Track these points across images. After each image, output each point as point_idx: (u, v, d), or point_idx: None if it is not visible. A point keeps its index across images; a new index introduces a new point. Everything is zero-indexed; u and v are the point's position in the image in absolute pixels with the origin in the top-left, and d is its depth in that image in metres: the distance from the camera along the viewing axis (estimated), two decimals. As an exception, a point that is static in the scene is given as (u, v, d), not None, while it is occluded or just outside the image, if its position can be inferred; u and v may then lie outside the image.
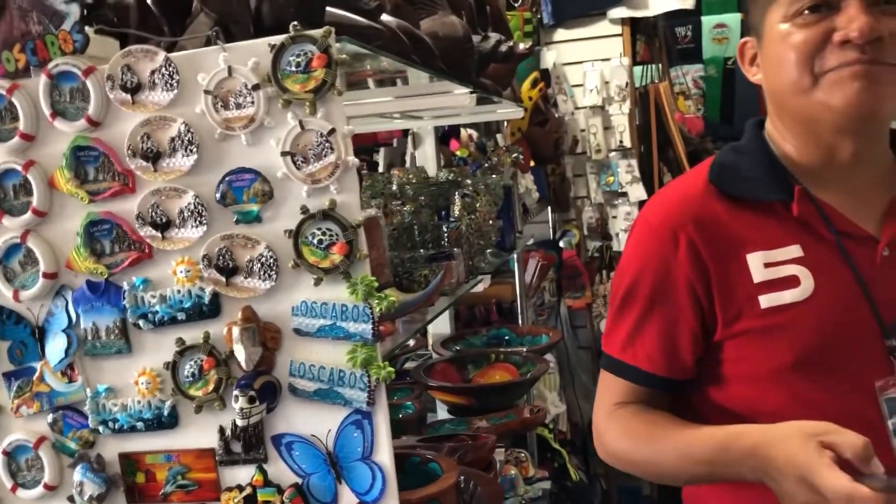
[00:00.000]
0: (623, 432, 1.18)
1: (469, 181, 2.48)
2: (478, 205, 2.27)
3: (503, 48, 2.51)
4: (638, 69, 4.23)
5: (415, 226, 2.20)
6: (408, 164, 3.20)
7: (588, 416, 3.80)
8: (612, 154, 3.96)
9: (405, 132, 3.37)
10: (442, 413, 2.79)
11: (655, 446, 1.12)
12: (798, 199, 1.12)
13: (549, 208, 3.98)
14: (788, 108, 1.13)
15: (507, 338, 3.06)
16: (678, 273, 1.15)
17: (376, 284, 1.22)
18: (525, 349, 2.83)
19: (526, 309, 3.35)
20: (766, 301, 1.11)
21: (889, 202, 1.13)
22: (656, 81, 4.15)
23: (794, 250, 1.12)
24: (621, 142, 3.91)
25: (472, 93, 2.24)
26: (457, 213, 2.24)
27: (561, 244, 3.97)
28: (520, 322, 3.31)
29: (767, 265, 1.12)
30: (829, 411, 1.02)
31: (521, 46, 2.63)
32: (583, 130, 3.97)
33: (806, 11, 1.04)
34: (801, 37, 1.05)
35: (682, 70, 4.91)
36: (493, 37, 2.52)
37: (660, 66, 4.35)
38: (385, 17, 1.72)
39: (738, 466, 1.00)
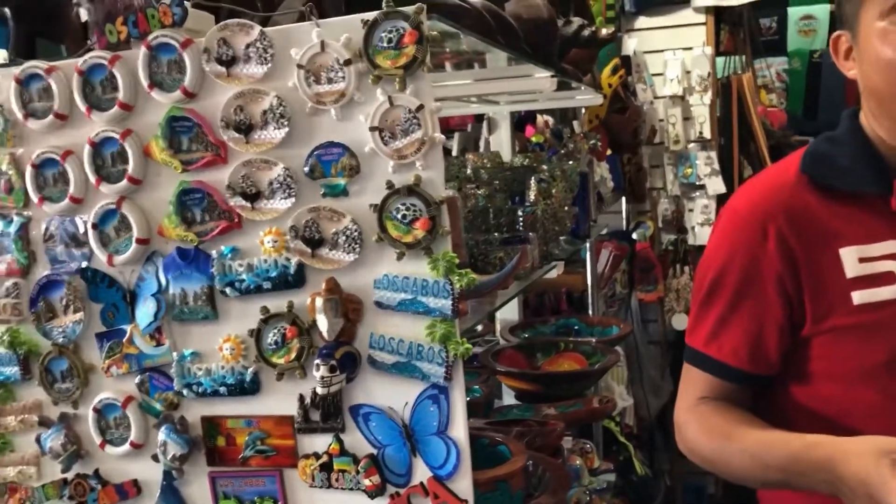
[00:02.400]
0: (701, 428, 1.16)
1: (545, 167, 2.47)
2: (553, 190, 2.25)
3: (585, 33, 2.48)
4: (720, 60, 4.12)
5: (490, 209, 2.20)
6: (482, 149, 3.20)
7: (655, 412, 3.75)
8: (691, 145, 3.88)
9: (479, 117, 3.37)
10: (508, 399, 2.79)
11: (731, 446, 1.10)
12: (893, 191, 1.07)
13: (624, 198, 3.92)
14: (886, 107, 1.08)
15: (576, 327, 3.03)
16: (767, 266, 1.12)
17: (457, 261, 1.22)
18: (594, 339, 2.80)
19: (597, 299, 3.32)
20: (859, 297, 1.07)
21: None
22: (739, 73, 4.04)
23: (892, 246, 1.08)
24: (701, 133, 3.82)
25: (553, 77, 2.22)
26: (532, 197, 2.23)
27: (634, 236, 3.91)
28: (590, 312, 3.27)
29: (862, 260, 1.08)
30: None
31: (604, 32, 2.59)
32: (661, 120, 3.89)
33: None
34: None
35: (765, 62, 4.77)
36: (576, 21, 2.49)
37: (743, 57, 4.23)
38: (472, -3, 1.72)
39: (811, 478, 0.98)
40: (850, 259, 1.09)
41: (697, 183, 3.86)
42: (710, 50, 3.81)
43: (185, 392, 1.41)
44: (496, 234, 2.05)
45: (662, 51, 3.90)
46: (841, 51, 1.13)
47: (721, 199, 3.82)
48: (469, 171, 2.46)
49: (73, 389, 1.49)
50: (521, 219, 2.15)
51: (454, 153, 3.48)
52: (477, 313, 1.71)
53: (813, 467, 0.98)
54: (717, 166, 3.78)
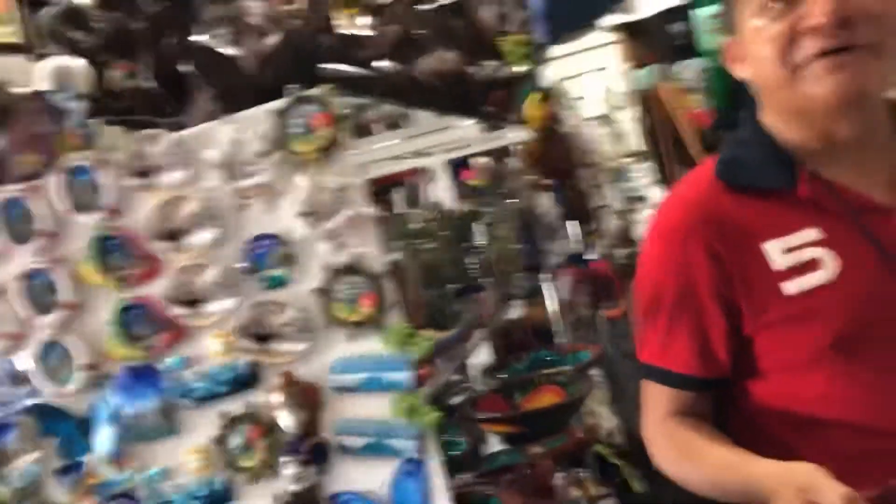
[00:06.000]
0: (667, 447, 1.18)
1: (489, 209, 2.48)
2: (501, 232, 2.26)
3: (502, 74, 2.52)
4: (642, 73, 4.21)
5: (441, 262, 2.20)
6: (423, 201, 3.21)
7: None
8: (626, 160, 3.94)
9: (416, 170, 3.38)
10: (495, 444, 2.76)
11: (693, 468, 1.13)
12: (806, 181, 1.10)
13: (573, 224, 3.95)
14: (777, 101, 1.12)
15: (549, 359, 3.02)
16: (699, 274, 1.13)
17: (409, 332, 1.21)
18: (570, 368, 2.80)
19: (564, 327, 3.31)
20: (791, 287, 1.09)
21: (894, 172, 1.11)
22: (658, 82, 4.13)
23: (812, 233, 1.10)
24: (633, 147, 3.88)
25: (478, 123, 2.24)
26: (482, 243, 2.24)
27: (589, 257, 3.93)
28: (559, 341, 3.27)
29: (786, 251, 1.10)
30: (872, 388, 1.01)
31: (519, 69, 2.64)
32: (592, 141, 3.94)
33: (773, 3, 1.03)
34: (773, 30, 1.04)
35: (683, 66, 4.89)
36: (489, 64, 2.53)
37: (659, 66, 4.33)
38: (380, 64, 1.74)
39: (746, 495, 1.02)
40: (775, 252, 1.11)
41: (639, 195, 3.91)
42: (625, 65, 3.90)
43: (157, 513, 1.37)
44: (450, 286, 2.05)
45: (580, 74, 3.97)
46: (731, 55, 1.16)
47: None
48: (414, 227, 2.47)
49: (41, 533, 1.43)
50: (476, 266, 2.16)
51: (396, 209, 3.48)
52: (447, 367, 1.69)
53: (746, 485, 1.02)
54: (654, 177, 3.84)
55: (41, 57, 1.51)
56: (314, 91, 1.20)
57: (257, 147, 1.23)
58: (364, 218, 1.21)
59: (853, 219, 1.08)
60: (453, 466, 2.20)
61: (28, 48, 1.63)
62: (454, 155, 3.14)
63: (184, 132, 1.29)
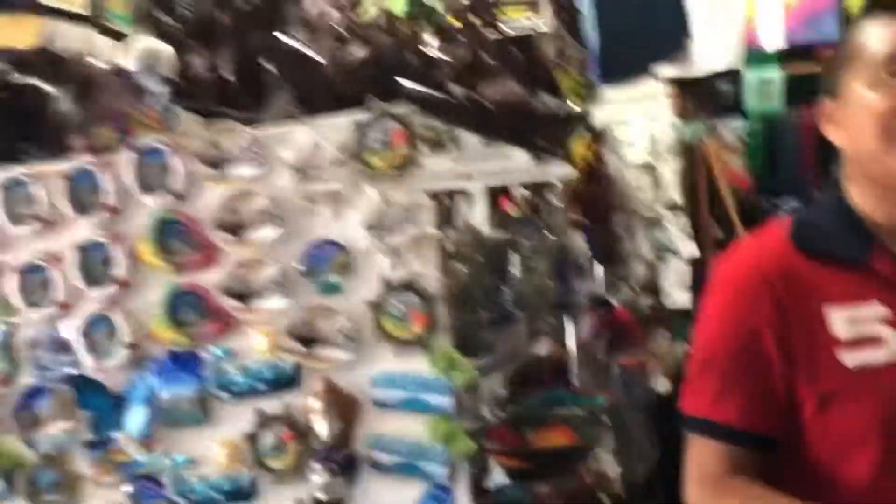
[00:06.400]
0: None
1: (526, 241, 2.48)
2: (537, 266, 2.26)
3: (560, 110, 2.54)
4: (685, 126, 4.22)
5: (474, 287, 2.19)
6: (458, 224, 3.21)
7: (643, 477, 3.69)
8: (662, 211, 3.93)
9: (452, 193, 3.38)
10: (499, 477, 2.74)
11: None
12: (879, 254, 1.10)
13: (600, 266, 3.94)
14: (866, 173, 1.12)
15: (562, 398, 3.01)
16: (766, 326, 1.12)
17: (457, 357, 1.22)
18: (583, 410, 2.78)
19: (582, 370, 3.30)
20: (850, 359, 1.08)
21: None
22: (703, 138, 4.14)
23: (878, 309, 1.09)
24: (671, 198, 3.88)
25: (530, 155, 2.26)
26: (517, 274, 2.24)
27: (612, 302, 3.92)
28: (575, 382, 3.25)
29: (850, 322, 1.09)
30: None
31: (576, 108, 2.65)
32: (632, 187, 3.95)
33: (884, 76, 1.04)
34: (882, 104, 1.05)
35: (725, 124, 4.90)
36: (549, 100, 2.55)
37: (706, 122, 4.35)
38: (453, 87, 1.76)
39: None
40: (838, 320, 1.10)
41: (670, 246, 3.90)
42: (674, 117, 3.91)
43: (179, 500, 1.37)
44: (482, 313, 2.05)
45: (628, 121, 3.98)
46: (827, 118, 1.16)
47: (695, 263, 3.86)
48: (451, 248, 2.47)
49: (61, 502, 1.44)
50: (507, 297, 2.15)
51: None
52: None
53: None
54: (688, 230, 3.83)
55: (107, 30, 1.53)
56: (398, 107, 1.21)
57: (333, 154, 1.24)
58: (427, 238, 1.21)
59: None
60: None
61: (94, 20, 1.64)
62: (496, 181, 3.15)
63: (264, 131, 1.31)
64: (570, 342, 3.30)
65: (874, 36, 1.06)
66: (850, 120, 1.10)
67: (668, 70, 3.95)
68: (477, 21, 2.20)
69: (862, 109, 1.06)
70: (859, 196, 1.14)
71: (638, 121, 3.91)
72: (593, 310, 3.67)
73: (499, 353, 1.68)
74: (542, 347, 2.22)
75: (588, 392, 3.05)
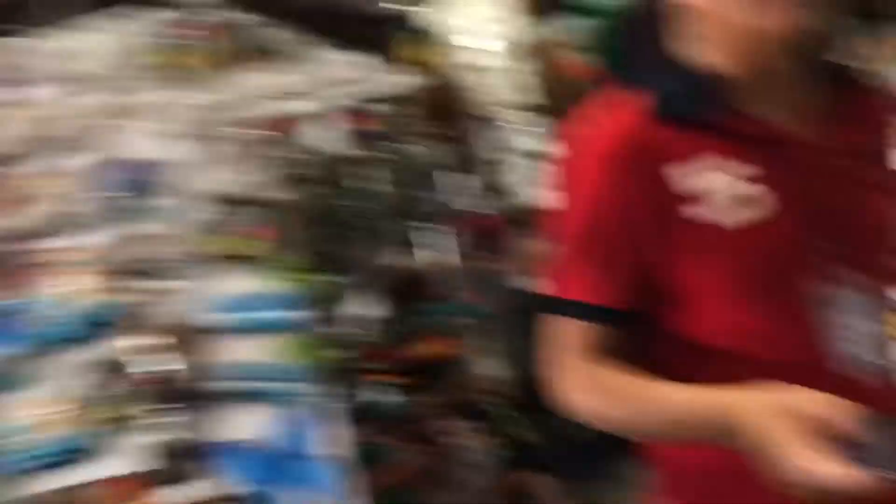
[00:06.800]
0: (588, 388, 1.12)
1: (387, 155, 2.40)
2: (398, 179, 2.19)
3: (379, 11, 2.42)
4: (531, 26, 4.20)
5: (337, 206, 2.10)
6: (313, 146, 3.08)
7: (527, 380, 3.78)
8: (510, 112, 3.92)
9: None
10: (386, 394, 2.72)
11: (626, 406, 1.08)
12: (735, 114, 1.10)
13: (463, 175, 3.91)
14: (725, 29, 1.10)
15: (441, 309, 3.00)
16: (626, 204, 1.10)
17: (307, 266, 1.12)
18: (463, 319, 2.78)
19: (458, 279, 3.29)
20: (714, 219, 1.08)
21: (819, 113, 1.12)
22: (545, 35, 4.12)
23: (737, 167, 1.10)
24: (523, 98, 3.87)
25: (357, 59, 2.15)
26: (381, 188, 2.17)
27: (480, 209, 3.92)
28: (453, 293, 3.24)
29: (712, 183, 1.09)
30: (777, 319, 1.03)
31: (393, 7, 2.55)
32: (480, 90, 3.90)
33: None
34: None
35: (569, 22, 4.92)
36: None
37: (546, 19, 4.33)
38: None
39: (708, 431, 0.98)
40: (703, 183, 1.10)
41: (529, 149, 3.91)
42: (515, 15, 3.86)
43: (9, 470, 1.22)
44: (345, 232, 1.96)
45: (470, 21, 3.90)
46: None
47: (542, 160, 3.88)
48: (306, 171, 2.35)
49: None
50: (372, 212, 2.08)
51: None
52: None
53: (710, 422, 0.98)
54: (536, 128, 3.83)
55: None
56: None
57: (128, 61, 1.09)
58: (259, 144, 1.10)
59: (777, 155, 1.08)
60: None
61: None
62: (344, 100, 3.01)
63: (50, 41, 1.13)
64: (444, 254, 3.28)
65: None
66: None
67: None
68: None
69: None
70: (714, 56, 1.13)
71: (477, 22, 3.83)
72: (462, 218, 3.66)
73: (363, 268, 1.60)
74: (412, 259, 2.16)
75: (467, 300, 3.06)
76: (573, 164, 1.15)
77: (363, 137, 3.12)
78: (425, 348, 2.71)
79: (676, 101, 1.11)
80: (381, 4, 2.49)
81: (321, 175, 2.27)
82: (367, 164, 2.28)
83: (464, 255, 3.50)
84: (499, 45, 3.84)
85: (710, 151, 1.08)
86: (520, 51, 3.88)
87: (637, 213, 1.09)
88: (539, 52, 3.97)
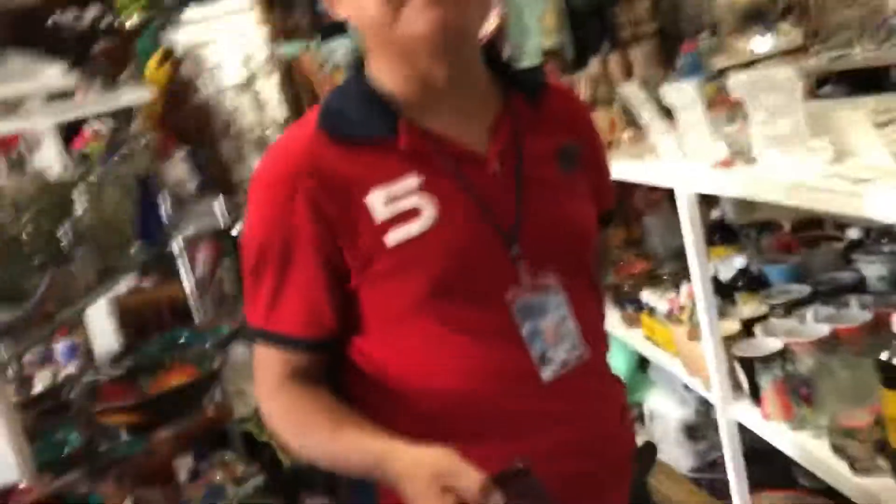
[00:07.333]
0: (284, 419, 1.10)
1: (95, 174, 2.22)
2: (104, 197, 2.03)
3: (104, 23, 2.27)
4: (286, 44, 4.14)
5: (30, 235, 1.90)
6: (27, 169, 2.80)
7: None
8: (269, 131, 3.84)
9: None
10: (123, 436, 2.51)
11: (312, 440, 1.07)
12: (404, 130, 1.09)
13: (215, 195, 3.75)
14: (377, 43, 1.09)
15: (184, 338, 2.83)
16: (302, 228, 1.07)
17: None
18: (205, 345, 2.64)
19: (203, 305, 3.13)
20: (392, 238, 1.07)
21: (492, 120, 1.14)
22: (301, 55, 4.10)
23: (411, 182, 1.09)
24: (274, 116, 3.80)
25: (70, 72, 1.98)
26: (80, 210, 1.99)
27: (234, 232, 3.77)
28: (197, 319, 3.08)
29: (388, 202, 1.08)
30: (474, 331, 1.04)
31: (130, 21, 2.40)
32: (233, 110, 3.78)
33: None
34: None
35: (330, 44, 4.92)
36: (92, 10, 2.27)
37: (305, 40, 4.31)
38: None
39: (372, 474, 1.00)
40: (378, 203, 1.08)
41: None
42: (264, 31, 3.80)
43: None
44: (34, 257, 1.78)
45: (217, 40, 3.78)
46: (332, 2, 1.11)
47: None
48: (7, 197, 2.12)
49: None
50: (67, 236, 1.90)
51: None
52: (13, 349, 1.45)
53: (368, 466, 0.99)
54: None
55: None
56: None
57: None
58: None
59: (450, 167, 1.09)
60: (62, 466, 1.94)
61: None
62: (64, 117, 2.79)
63: None
64: (185, 277, 3.11)
65: None
66: None
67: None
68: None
69: None
70: (379, 71, 1.11)
71: (226, 40, 3.73)
72: (210, 241, 3.51)
73: (39, 298, 1.45)
74: (127, 286, 2.01)
75: (213, 324, 2.91)
76: (251, 194, 1.11)
77: (94, 157, 2.91)
78: (168, 380, 2.54)
79: (346, 124, 1.10)
80: (122, 19, 2.32)
81: (25, 199, 2.06)
82: (84, 183, 2.11)
83: (203, 278, 3.36)
84: (251, 63, 3.75)
85: (393, 171, 1.08)
86: (272, 68, 3.82)
87: (308, 241, 1.06)
88: (294, 70, 3.94)
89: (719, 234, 2.13)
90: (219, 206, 3.86)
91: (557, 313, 1.09)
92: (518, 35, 3.07)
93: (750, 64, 2.00)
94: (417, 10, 1.01)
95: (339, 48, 5.22)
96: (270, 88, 3.84)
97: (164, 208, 2.67)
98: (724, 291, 1.79)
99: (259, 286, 1.11)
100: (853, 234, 1.90)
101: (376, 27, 1.05)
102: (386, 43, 1.08)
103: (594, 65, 2.56)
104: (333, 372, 1.16)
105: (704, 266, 1.66)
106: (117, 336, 2.85)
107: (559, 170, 1.14)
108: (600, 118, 2.16)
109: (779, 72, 1.29)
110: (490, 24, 2.82)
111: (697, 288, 1.66)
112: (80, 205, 2.04)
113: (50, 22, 1.92)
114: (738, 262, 1.88)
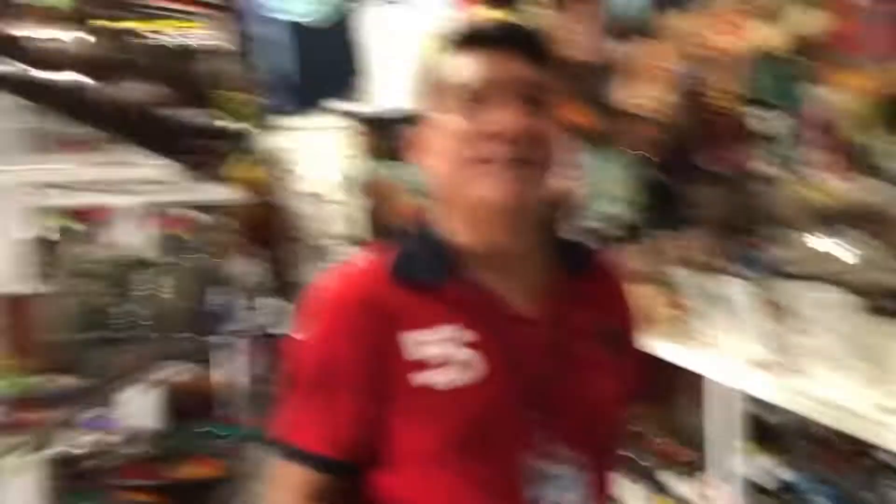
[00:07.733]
0: None
1: (167, 261, 2.35)
2: (167, 284, 2.14)
3: (216, 125, 2.46)
4: (369, 163, 4.34)
5: (99, 307, 2.02)
6: (106, 241, 2.97)
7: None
8: (334, 241, 3.98)
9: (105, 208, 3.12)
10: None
11: None
12: (460, 282, 1.16)
13: (269, 295, 3.86)
14: (450, 197, 1.17)
15: (216, 431, 2.88)
16: (355, 355, 1.12)
17: (11, 367, 1.06)
18: (231, 441, 2.67)
19: (241, 400, 3.18)
20: (422, 380, 1.11)
21: (541, 285, 1.20)
22: (381, 176, 4.29)
23: (458, 333, 1.14)
24: (346, 230, 3.94)
25: (176, 168, 2.14)
26: (143, 293, 2.10)
27: (278, 331, 3.85)
28: (231, 414, 3.12)
29: (424, 345, 1.13)
30: (488, 489, 1.06)
31: (237, 126, 2.59)
32: (307, 217, 3.95)
33: (465, 103, 1.10)
34: (461, 126, 1.10)
35: (407, 166, 5.13)
36: (206, 113, 2.46)
37: (389, 162, 4.51)
38: (63, 76, 1.61)
39: None
40: (413, 344, 1.13)
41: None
42: (353, 151, 4.01)
43: None
44: (97, 332, 1.88)
45: (307, 150, 4.00)
46: (415, 145, 1.20)
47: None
48: (82, 266, 2.25)
49: None
50: (132, 316, 2.00)
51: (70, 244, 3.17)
52: (65, 418, 1.51)
53: None
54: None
55: None
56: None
57: None
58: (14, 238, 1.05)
59: (494, 323, 1.13)
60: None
61: None
62: (153, 198, 2.97)
63: None
64: (226, 371, 3.18)
65: (459, 68, 1.13)
66: (433, 144, 1.15)
67: (349, 104, 4.05)
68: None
69: (440, 134, 1.12)
70: (448, 222, 1.20)
71: (318, 152, 3.94)
72: (258, 338, 3.58)
73: (103, 374, 1.53)
74: (182, 374, 2.09)
75: (238, 422, 2.95)
76: (311, 312, 1.18)
77: (175, 243, 3.06)
78: (193, 469, 2.57)
79: (408, 266, 1.17)
80: (220, 122, 2.52)
81: (100, 272, 2.19)
82: (152, 266, 2.22)
83: (253, 377, 3.42)
84: (335, 178, 3.95)
85: (437, 318, 1.14)
86: (354, 186, 4.01)
87: (361, 368, 1.12)
88: (373, 191, 4.12)
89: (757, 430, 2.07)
90: (270, 305, 3.97)
91: (572, 489, 1.11)
92: (591, 198, 3.18)
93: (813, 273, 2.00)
94: (489, 174, 1.10)
95: (413, 174, 5.42)
96: (347, 202, 4.00)
97: (222, 302, 2.77)
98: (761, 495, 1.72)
99: (305, 403, 1.15)
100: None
101: (448, 181, 1.14)
102: (455, 197, 1.16)
103: (653, 241, 2.62)
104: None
105: (735, 463, 1.65)
106: (155, 418, 2.91)
107: (597, 348, 1.17)
108: (646, 293, 2.18)
109: (844, 297, 1.32)
110: (558, 186, 2.92)
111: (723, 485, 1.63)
112: (142, 288, 2.15)
113: (163, 117, 2.08)
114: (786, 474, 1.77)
